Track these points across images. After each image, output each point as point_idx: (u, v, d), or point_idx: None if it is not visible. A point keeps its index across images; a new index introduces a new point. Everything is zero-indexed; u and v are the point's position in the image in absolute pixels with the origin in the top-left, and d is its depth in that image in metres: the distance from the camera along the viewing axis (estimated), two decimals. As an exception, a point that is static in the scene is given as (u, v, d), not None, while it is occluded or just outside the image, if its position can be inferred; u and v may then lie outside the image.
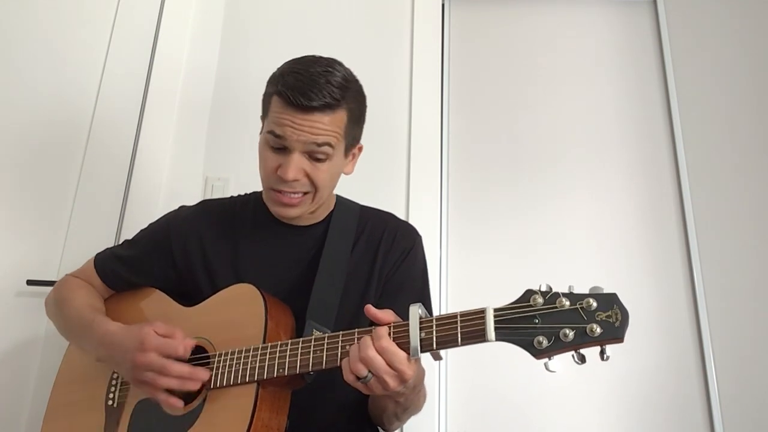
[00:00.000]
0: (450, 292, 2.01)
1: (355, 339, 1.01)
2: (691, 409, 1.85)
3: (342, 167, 1.28)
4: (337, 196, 1.40)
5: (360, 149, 1.33)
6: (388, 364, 0.95)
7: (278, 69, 1.24)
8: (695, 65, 2.18)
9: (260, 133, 1.26)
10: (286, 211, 1.24)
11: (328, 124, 1.17)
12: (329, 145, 1.18)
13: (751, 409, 1.82)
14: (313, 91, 1.14)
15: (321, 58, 1.23)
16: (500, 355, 1.87)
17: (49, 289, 1.77)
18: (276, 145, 1.19)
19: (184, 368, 1.10)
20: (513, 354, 0.92)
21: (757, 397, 1.83)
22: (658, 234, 2.03)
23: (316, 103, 1.14)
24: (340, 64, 1.23)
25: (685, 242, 2.01)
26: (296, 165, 1.17)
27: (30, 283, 1.85)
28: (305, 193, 1.22)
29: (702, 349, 1.89)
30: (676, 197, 2.07)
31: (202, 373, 1.11)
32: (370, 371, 0.96)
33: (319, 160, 1.19)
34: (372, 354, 0.95)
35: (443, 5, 2.31)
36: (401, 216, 1.48)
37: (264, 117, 1.25)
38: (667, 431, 1.84)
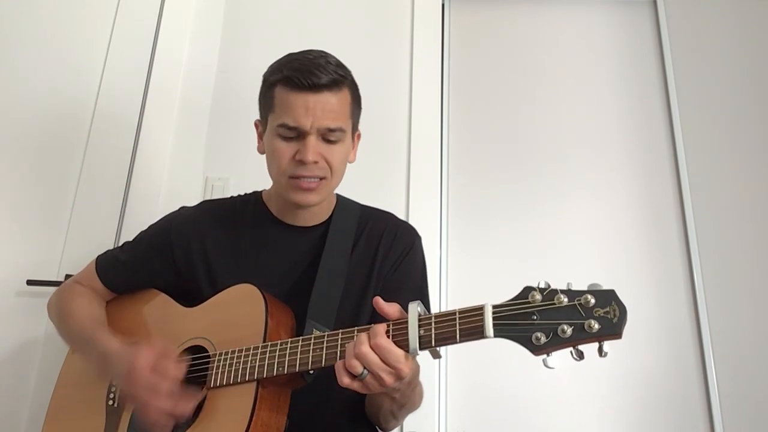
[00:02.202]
0: (450, 291, 2.01)
1: (354, 337, 1.01)
2: (691, 409, 1.85)
3: (349, 151, 1.30)
4: (338, 196, 1.41)
5: (359, 137, 1.35)
6: (384, 361, 0.95)
7: (272, 66, 1.26)
8: (695, 65, 2.18)
9: (263, 132, 1.27)
10: (307, 197, 1.24)
11: (336, 105, 1.20)
12: (340, 129, 1.22)
13: (751, 409, 1.82)
14: (319, 69, 1.18)
15: (311, 50, 1.26)
16: (501, 355, 1.87)
17: (48, 289, 1.78)
18: (289, 135, 1.21)
19: (176, 387, 1.10)
20: (513, 353, 0.92)
21: (757, 397, 1.83)
22: (658, 234, 2.03)
23: (325, 80, 1.18)
24: (330, 54, 1.27)
25: (685, 242, 2.01)
26: (314, 148, 1.20)
27: (30, 283, 1.85)
28: (321, 179, 1.24)
29: (702, 349, 1.89)
30: (676, 197, 2.07)
31: (195, 395, 1.12)
32: (365, 368, 0.95)
33: (332, 142, 1.22)
34: (366, 350, 0.95)
35: (443, 5, 2.31)
36: (401, 216, 1.48)
37: (268, 113, 1.25)
38: (667, 431, 1.84)
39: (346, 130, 1.23)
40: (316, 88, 1.18)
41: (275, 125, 1.22)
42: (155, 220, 1.44)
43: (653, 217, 2.05)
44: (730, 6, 2.23)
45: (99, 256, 1.43)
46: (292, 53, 1.26)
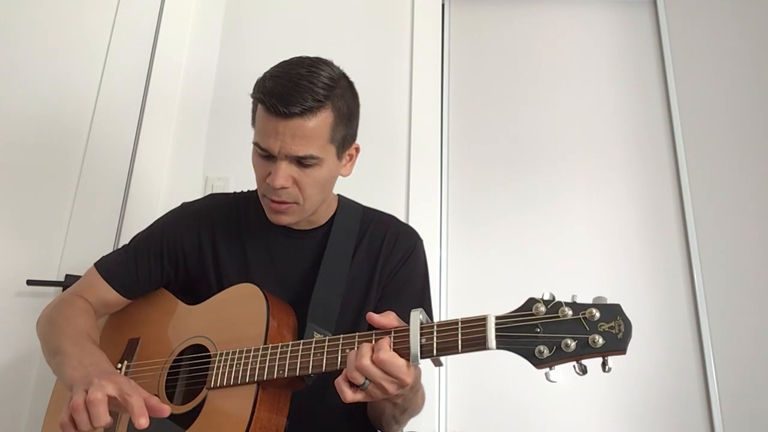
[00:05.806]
0: (450, 292, 2.01)
1: (356, 343, 1.01)
2: (691, 409, 1.86)
3: (336, 171, 1.26)
4: (340, 197, 1.40)
5: (357, 150, 1.31)
6: (387, 373, 0.94)
7: (260, 77, 1.21)
8: (695, 65, 2.18)
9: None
10: (279, 218, 1.23)
11: (310, 130, 1.14)
12: (312, 157, 1.16)
13: (751, 409, 1.83)
14: (293, 95, 1.12)
15: (306, 58, 1.20)
16: (501, 356, 1.86)
17: (49, 289, 1.78)
18: (263, 154, 1.18)
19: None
20: (513, 356, 0.91)
21: (757, 397, 1.84)
22: (658, 234, 2.04)
23: (296, 109, 1.12)
24: (327, 63, 1.21)
25: (685, 242, 2.01)
26: (284, 173, 1.16)
27: (30, 283, 1.84)
28: (293, 203, 1.21)
29: (702, 349, 1.90)
30: (676, 197, 2.07)
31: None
32: (367, 379, 0.95)
33: (306, 166, 1.17)
34: (367, 363, 0.94)
35: (443, 5, 2.31)
36: (401, 216, 1.48)
37: (253, 124, 1.23)
38: (667, 431, 1.84)
39: (320, 157, 1.17)
40: (287, 116, 1.12)
41: (253, 142, 1.20)
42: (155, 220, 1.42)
43: (653, 217, 2.05)
44: (730, 6, 2.23)
45: (96, 262, 1.37)
46: (284, 62, 1.20)
